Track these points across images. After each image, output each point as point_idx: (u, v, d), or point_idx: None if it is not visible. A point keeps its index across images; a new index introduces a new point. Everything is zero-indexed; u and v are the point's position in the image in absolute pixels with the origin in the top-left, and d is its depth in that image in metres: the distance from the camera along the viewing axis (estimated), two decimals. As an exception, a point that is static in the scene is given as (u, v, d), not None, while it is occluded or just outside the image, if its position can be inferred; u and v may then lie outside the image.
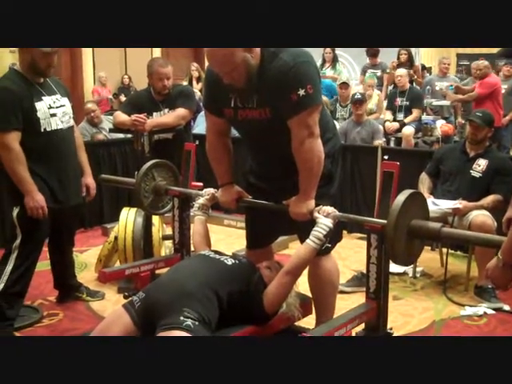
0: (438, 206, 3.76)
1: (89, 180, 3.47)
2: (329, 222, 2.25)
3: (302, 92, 2.23)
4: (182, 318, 2.03)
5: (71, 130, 3.30)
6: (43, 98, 3.09)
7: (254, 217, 2.75)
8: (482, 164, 3.87)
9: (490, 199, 3.73)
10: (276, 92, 2.24)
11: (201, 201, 2.71)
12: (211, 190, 2.72)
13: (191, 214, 2.87)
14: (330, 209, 2.31)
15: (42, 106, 3.06)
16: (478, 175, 3.86)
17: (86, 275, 4.10)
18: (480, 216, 3.66)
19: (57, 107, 3.15)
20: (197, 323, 2.03)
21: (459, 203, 3.71)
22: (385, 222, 2.12)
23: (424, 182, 4.07)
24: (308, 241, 2.25)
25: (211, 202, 2.71)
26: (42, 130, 3.06)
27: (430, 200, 3.84)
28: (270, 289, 2.27)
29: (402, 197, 2.08)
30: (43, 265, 3.83)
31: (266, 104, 2.30)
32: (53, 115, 3.11)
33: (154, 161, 3.03)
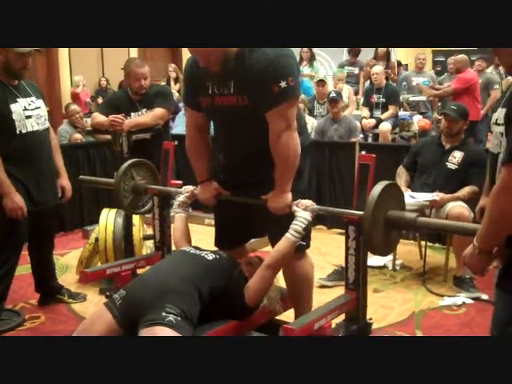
0: (415, 198, 3.81)
1: (64, 182, 3.46)
2: (307, 215, 2.28)
3: (283, 84, 2.23)
4: (164, 313, 2.04)
5: (47, 132, 3.29)
6: (18, 100, 3.08)
7: (223, 217, 2.75)
8: (457, 156, 3.93)
9: (466, 190, 3.80)
10: (256, 82, 2.24)
11: (180, 198, 2.73)
12: (190, 188, 2.73)
13: (171, 213, 2.89)
14: (307, 202, 2.33)
15: (16, 108, 3.05)
16: (453, 167, 3.92)
17: (67, 278, 4.08)
18: (457, 207, 3.72)
19: (32, 109, 3.14)
20: (179, 318, 2.04)
21: (436, 195, 3.77)
22: (362, 213, 2.15)
23: (401, 176, 4.12)
24: (287, 234, 2.27)
25: (191, 199, 2.73)
26: (18, 132, 3.05)
27: (408, 193, 3.89)
28: (251, 283, 2.29)
29: (378, 188, 2.11)
30: (24, 268, 3.82)
31: (244, 91, 2.31)
32: (28, 117, 3.10)
33: (132, 160, 3.03)
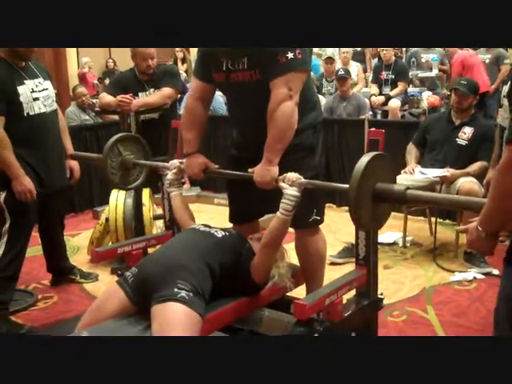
0: (425, 174, 3.79)
1: (73, 163, 3.47)
2: (295, 192, 2.21)
3: (290, 55, 2.25)
4: (176, 289, 2.05)
5: (55, 114, 3.29)
6: (25, 81, 3.07)
7: (236, 192, 2.73)
8: (467, 132, 3.91)
9: (476, 166, 3.78)
10: (266, 53, 2.25)
11: (169, 176, 2.66)
12: (176, 163, 2.66)
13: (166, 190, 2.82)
14: (294, 176, 2.24)
15: (24, 90, 3.04)
16: (464, 143, 3.89)
17: (78, 258, 4.11)
18: (467, 183, 3.70)
19: (39, 91, 3.14)
20: (191, 294, 2.05)
21: (446, 171, 3.75)
22: (347, 186, 2.01)
23: (411, 152, 4.10)
24: (278, 213, 2.24)
25: (179, 175, 2.67)
26: (25, 115, 3.05)
27: (418, 169, 3.88)
28: (255, 260, 2.30)
29: (365, 158, 1.98)
30: (36, 250, 3.86)
31: (256, 65, 2.31)
32: (35, 99, 3.10)
33: (118, 135, 2.96)
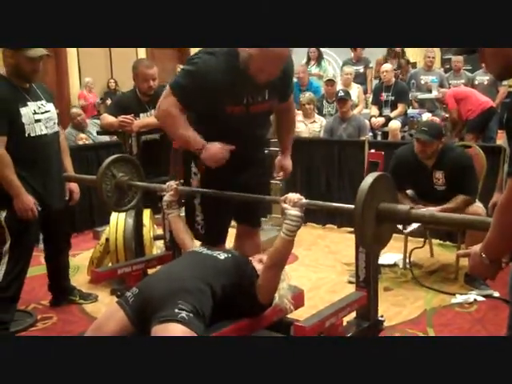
0: None
1: (72, 184, 3.50)
2: (297, 212, 2.22)
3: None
4: (176, 310, 2.05)
5: (56, 136, 3.31)
6: (28, 103, 3.10)
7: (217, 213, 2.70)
8: (440, 177, 3.76)
9: (459, 200, 3.66)
10: (285, 80, 2.52)
11: (166, 198, 2.66)
12: (173, 185, 2.66)
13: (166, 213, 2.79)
14: (295, 197, 2.24)
15: (26, 112, 3.07)
16: (441, 188, 3.78)
17: (78, 278, 4.10)
18: (471, 206, 3.65)
19: (42, 113, 3.16)
20: (191, 315, 2.05)
21: (427, 210, 3.64)
22: (351, 206, 2.04)
23: (398, 197, 3.87)
24: (281, 234, 2.25)
25: (176, 196, 2.67)
26: (27, 136, 3.07)
27: None
28: (260, 282, 2.30)
29: (369, 179, 1.99)
30: (36, 269, 3.86)
31: (275, 95, 2.53)
32: (37, 121, 3.12)
33: (111, 158, 2.96)
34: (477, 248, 1.66)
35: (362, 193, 1.94)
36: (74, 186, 3.51)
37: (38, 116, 3.13)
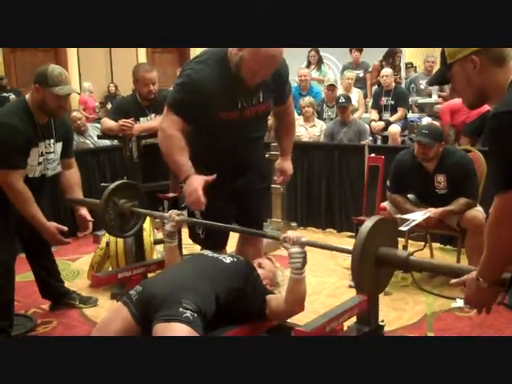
0: (407, 220, 3.62)
1: (83, 211, 3.33)
2: (299, 249, 2.24)
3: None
4: (181, 309, 2.06)
5: (55, 176, 3.25)
6: (39, 143, 3.03)
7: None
8: (441, 180, 3.75)
9: (461, 203, 3.67)
10: (278, 80, 2.55)
11: (168, 228, 2.63)
12: (174, 216, 2.61)
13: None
14: (294, 235, 2.25)
15: (34, 153, 3.01)
16: (443, 192, 3.77)
17: (78, 283, 4.10)
18: (472, 211, 3.64)
19: (47, 153, 3.10)
20: (195, 315, 2.06)
21: (428, 211, 3.66)
22: (350, 248, 2.04)
23: (401, 201, 3.86)
24: (291, 275, 2.27)
25: (176, 228, 2.64)
26: (25, 175, 3.01)
27: (398, 216, 3.74)
28: (276, 307, 2.33)
29: (368, 223, 1.99)
30: (34, 274, 3.84)
31: (270, 96, 2.56)
32: (40, 163, 3.08)
33: (110, 187, 2.90)
34: (472, 274, 1.66)
35: (361, 238, 1.95)
36: (86, 213, 3.32)
37: (42, 158, 3.08)
